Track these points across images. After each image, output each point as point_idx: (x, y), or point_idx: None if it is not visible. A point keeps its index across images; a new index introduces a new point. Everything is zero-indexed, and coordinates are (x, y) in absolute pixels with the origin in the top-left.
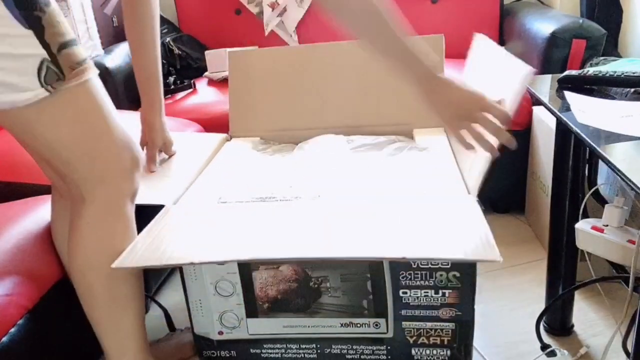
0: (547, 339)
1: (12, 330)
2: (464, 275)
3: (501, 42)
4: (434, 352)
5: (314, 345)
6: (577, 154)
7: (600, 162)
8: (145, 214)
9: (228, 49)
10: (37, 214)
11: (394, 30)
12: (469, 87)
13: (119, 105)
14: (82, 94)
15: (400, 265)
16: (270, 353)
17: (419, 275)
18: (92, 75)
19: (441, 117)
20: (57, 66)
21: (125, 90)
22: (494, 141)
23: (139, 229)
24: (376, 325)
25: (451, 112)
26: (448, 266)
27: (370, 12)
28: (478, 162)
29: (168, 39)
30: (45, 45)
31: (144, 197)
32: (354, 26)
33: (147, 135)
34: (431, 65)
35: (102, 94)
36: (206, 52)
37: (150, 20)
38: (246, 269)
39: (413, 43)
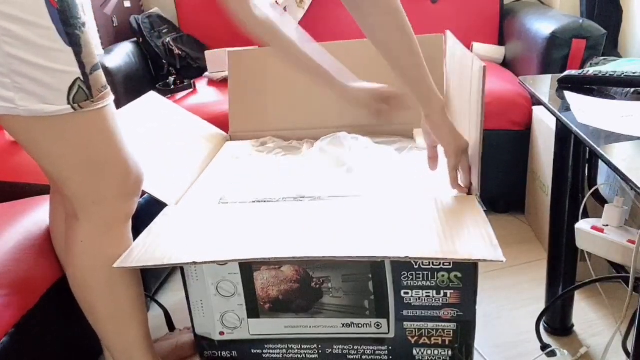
0: (547, 339)
1: (12, 330)
2: (465, 275)
3: (501, 42)
4: (436, 352)
5: (316, 346)
6: (577, 154)
7: (600, 162)
8: (146, 214)
9: (228, 49)
10: (37, 214)
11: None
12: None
13: (119, 105)
14: (99, 118)
15: (402, 266)
16: (272, 353)
17: (421, 276)
18: (111, 101)
19: (448, 145)
20: (87, 87)
21: (125, 90)
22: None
23: (139, 228)
24: (378, 325)
25: (456, 144)
26: (450, 266)
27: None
28: (473, 162)
29: (168, 39)
30: (81, 65)
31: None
32: (382, 48)
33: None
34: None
35: (116, 119)
36: (206, 52)
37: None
38: (247, 269)
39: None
